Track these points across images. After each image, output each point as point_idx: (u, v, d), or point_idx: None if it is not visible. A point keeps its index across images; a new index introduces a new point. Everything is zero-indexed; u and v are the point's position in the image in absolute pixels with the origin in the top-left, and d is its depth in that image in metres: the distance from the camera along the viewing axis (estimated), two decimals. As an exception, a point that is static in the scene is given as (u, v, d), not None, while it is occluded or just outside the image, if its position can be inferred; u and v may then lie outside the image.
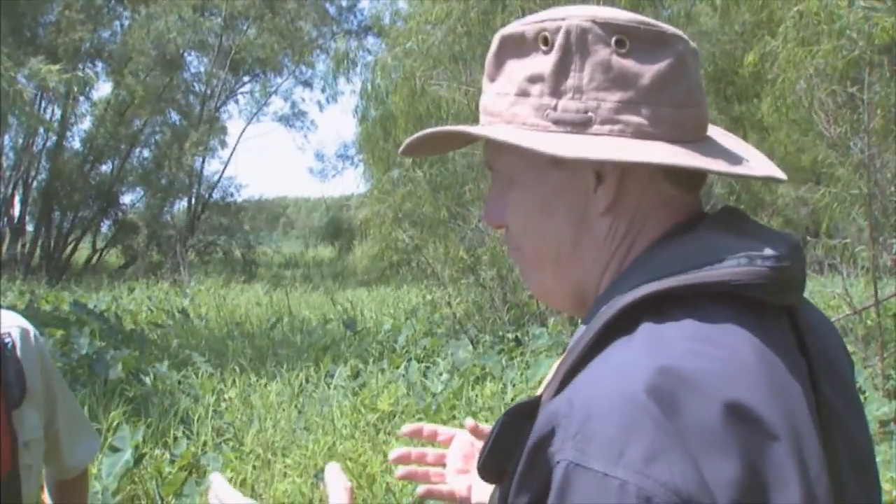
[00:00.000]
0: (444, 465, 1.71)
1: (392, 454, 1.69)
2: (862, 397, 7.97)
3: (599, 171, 1.18)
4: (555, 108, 1.18)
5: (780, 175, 1.24)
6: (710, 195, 11.34)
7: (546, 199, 1.23)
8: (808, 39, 8.58)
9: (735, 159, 1.22)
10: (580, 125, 1.17)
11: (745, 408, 0.98)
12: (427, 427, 1.74)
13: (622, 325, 1.07)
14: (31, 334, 2.25)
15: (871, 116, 8.42)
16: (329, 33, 35.83)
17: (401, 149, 1.36)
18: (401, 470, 1.71)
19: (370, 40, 32.04)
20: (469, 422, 1.68)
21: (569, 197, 1.22)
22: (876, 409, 7.52)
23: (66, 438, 2.40)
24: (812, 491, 0.99)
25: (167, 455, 7.11)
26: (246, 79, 37.05)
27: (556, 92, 1.18)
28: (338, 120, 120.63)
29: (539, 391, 1.15)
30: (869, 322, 9.46)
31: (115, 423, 7.51)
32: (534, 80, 1.20)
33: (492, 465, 1.10)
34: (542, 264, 1.28)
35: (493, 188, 1.33)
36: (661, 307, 1.07)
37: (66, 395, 2.41)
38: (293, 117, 40.04)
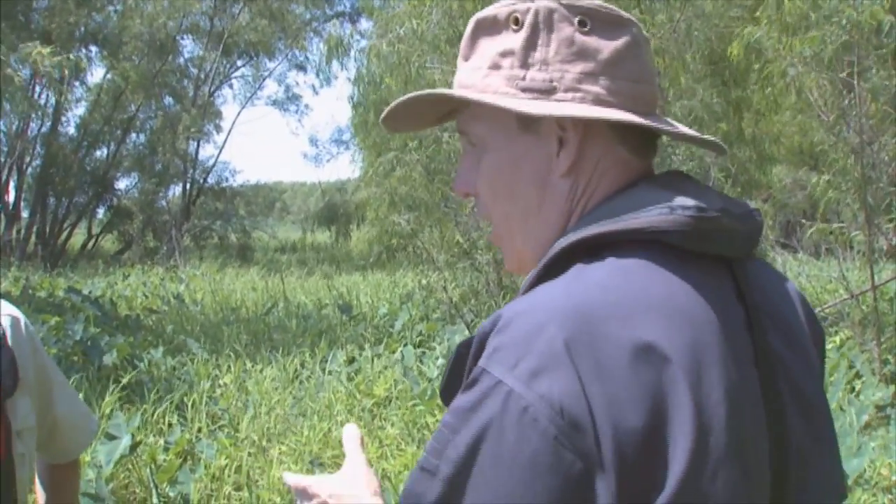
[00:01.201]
0: None
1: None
2: (859, 382, 7.97)
3: (561, 136, 1.31)
4: (523, 79, 1.32)
5: (722, 145, 1.42)
6: (707, 177, 11.31)
7: (514, 160, 1.35)
8: (794, 26, 8.56)
9: (680, 126, 1.36)
10: (546, 92, 1.30)
11: (641, 337, 1.08)
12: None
13: (559, 267, 1.21)
14: (22, 322, 2.25)
15: (864, 102, 8.40)
16: (322, 16, 35.83)
17: (381, 119, 1.48)
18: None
19: (363, 23, 31.99)
20: None
21: (534, 160, 1.34)
22: (872, 393, 7.51)
23: (65, 423, 2.42)
24: (706, 415, 1.08)
25: (162, 442, 7.09)
26: (239, 63, 37.08)
27: (525, 64, 1.32)
28: (332, 104, 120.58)
29: None
30: (865, 307, 9.46)
31: (109, 410, 7.50)
32: (505, 54, 1.34)
33: (450, 390, 1.22)
34: (511, 226, 1.40)
35: (463, 159, 1.44)
36: (596, 252, 1.20)
37: (61, 381, 2.43)
38: (287, 101, 40.16)
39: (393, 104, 1.43)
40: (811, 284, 12.50)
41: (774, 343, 1.25)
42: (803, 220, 11.64)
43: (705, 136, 1.38)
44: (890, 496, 5.96)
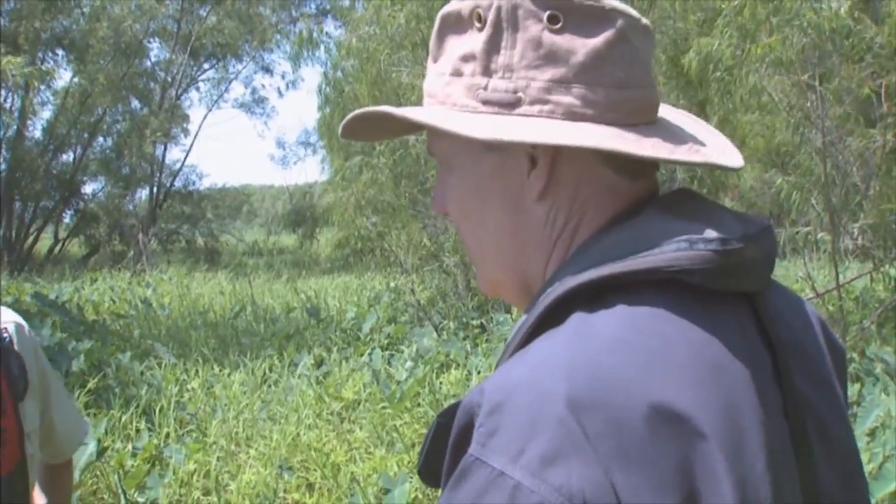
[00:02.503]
0: None
1: None
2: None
3: (532, 154, 1.13)
4: (485, 88, 1.14)
5: (733, 164, 1.17)
6: (672, 179, 11.36)
7: (481, 183, 1.19)
8: (753, 32, 8.59)
9: (680, 144, 1.14)
10: (508, 105, 1.13)
11: (667, 406, 0.92)
12: None
13: (557, 315, 1.03)
14: (26, 329, 2.33)
15: (826, 104, 8.46)
16: (288, 17, 35.77)
17: (340, 131, 1.29)
18: None
19: (330, 23, 31.93)
20: None
21: (503, 182, 1.17)
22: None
23: (61, 424, 2.49)
24: (750, 489, 0.93)
25: (129, 447, 7.07)
26: (206, 65, 36.88)
27: (487, 71, 1.14)
28: (298, 106, 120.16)
29: None
30: (831, 306, 9.52)
31: (76, 416, 7.46)
32: (466, 58, 1.17)
33: (430, 467, 1.06)
34: (484, 253, 1.24)
35: (438, 175, 1.29)
36: (599, 296, 1.02)
37: (57, 383, 2.50)
38: (254, 104, 39.94)
39: (347, 118, 1.25)
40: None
41: (801, 385, 1.09)
42: (770, 223, 11.73)
43: (701, 161, 1.15)
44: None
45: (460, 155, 1.20)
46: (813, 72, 8.27)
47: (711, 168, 1.23)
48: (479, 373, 8.94)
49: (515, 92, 1.12)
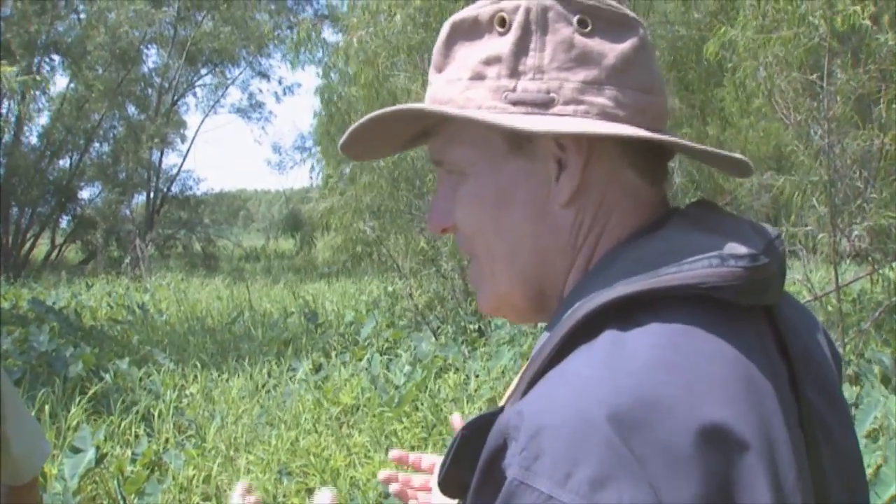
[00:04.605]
0: (429, 490, 1.64)
1: (381, 475, 1.65)
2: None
3: (560, 157, 1.12)
4: (514, 90, 1.11)
5: (748, 164, 1.16)
6: (670, 183, 11.36)
7: (502, 189, 1.15)
8: (768, 27, 8.59)
9: (698, 144, 1.14)
10: (542, 105, 1.10)
11: (711, 423, 0.90)
12: (412, 455, 1.67)
13: (586, 331, 0.99)
14: None
15: (832, 104, 8.45)
16: (285, 23, 35.82)
17: (341, 145, 1.26)
18: (393, 486, 1.65)
19: (326, 30, 31.98)
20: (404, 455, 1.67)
21: (527, 187, 1.14)
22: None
23: (17, 445, 2.34)
24: (786, 500, 0.92)
25: (129, 453, 7.06)
26: (203, 71, 36.92)
27: (515, 73, 1.12)
28: (294, 112, 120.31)
29: (501, 402, 1.10)
30: (829, 308, 9.52)
31: (75, 422, 7.46)
32: (490, 61, 1.13)
33: (452, 480, 1.03)
34: (495, 265, 1.20)
35: (439, 187, 1.25)
36: (628, 311, 0.99)
37: (14, 398, 2.35)
38: (250, 109, 40.02)
39: (355, 124, 1.20)
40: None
41: (812, 397, 1.09)
42: (772, 218, 11.73)
43: (728, 154, 1.14)
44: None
45: (480, 161, 1.17)
46: (822, 72, 8.27)
47: (733, 166, 1.18)
48: (476, 376, 8.94)
49: (548, 92, 1.11)
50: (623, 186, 1.14)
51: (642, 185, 1.15)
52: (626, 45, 1.12)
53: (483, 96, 1.13)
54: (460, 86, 1.16)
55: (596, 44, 1.11)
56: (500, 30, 1.14)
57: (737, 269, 0.99)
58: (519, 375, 1.07)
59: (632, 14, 1.15)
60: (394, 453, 1.66)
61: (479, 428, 0.99)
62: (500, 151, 1.14)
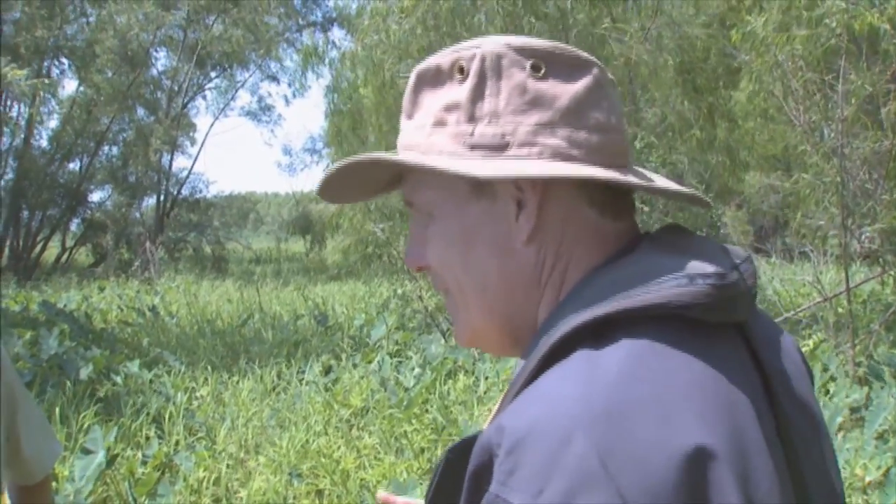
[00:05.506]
0: None
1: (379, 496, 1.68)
2: (833, 384, 8.02)
3: (519, 198, 1.16)
4: (472, 134, 1.16)
5: (705, 199, 1.24)
6: (680, 184, 11.35)
7: (466, 230, 1.20)
8: (787, 24, 8.60)
9: (655, 181, 1.21)
10: (497, 148, 1.15)
11: (679, 437, 0.92)
12: (400, 500, 1.68)
13: (561, 353, 1.03)
14: None
15: (845, 104, 8.45)
16: (294, 26, 35.86)
17: (317, 190, 1.31)
18: None
19: (336, 32, 32.03)
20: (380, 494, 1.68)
21: (490, 228, 1.18)
22: (846, 395, 7.55)
23: (28, 443, 2.35)
24: None
25: (139, 455, 7.07)
26: (213, 74, 36.96)
27: (473, 118, 1.16)
28: (304, 114, 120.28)
29: (484, 426, 1.11)
30: (840, 309, 9.51)
31: (86, 424, 7.48)
32: (450, 108, 1.18)
33: (440, 500, 1.10)
34: (468, 300, 1.23)
35: (411, 229, 1.29)
36: (600, 332, 1.03)
37: (26, 399, 2.36)
38: (260, 112, 40.14)
39: (327, 173, 1.27)
40: (785, 288, 12.58)
41: (789, 409, 1.12)
42: (777, 226, 11.75)
43: (685, 190, 1.22)
44: (865, 496, 6.00)
45: (445, 203, 1.21)
46: (836, 73, 8.28)
47: (687, 201, 1.26)
48: (486, 378, 8.94)
49: (503, 136, 1.15)
50: (582, 223, 1.18)
51: (602, 221, 1.18)
52: (579, 86, 1.16)
53: (444, 142, 1.18)
54: (424, 132, 1.21)
55: (549, 87, 1.16)
56: (460, 77, 1.19)
57: (705, 288, 1.03)
58: (500, 400, 1.12)
59: (585, 55, 1.20)
60: (380, 495, 1.68)
61: (462, 451, 1.05)
62: (464, 194, 1.19)
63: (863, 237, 9.16)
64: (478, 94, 1.16)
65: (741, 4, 11.10)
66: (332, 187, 1.30)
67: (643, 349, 1.00)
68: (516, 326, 1.22)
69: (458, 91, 1.18)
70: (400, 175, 1.29)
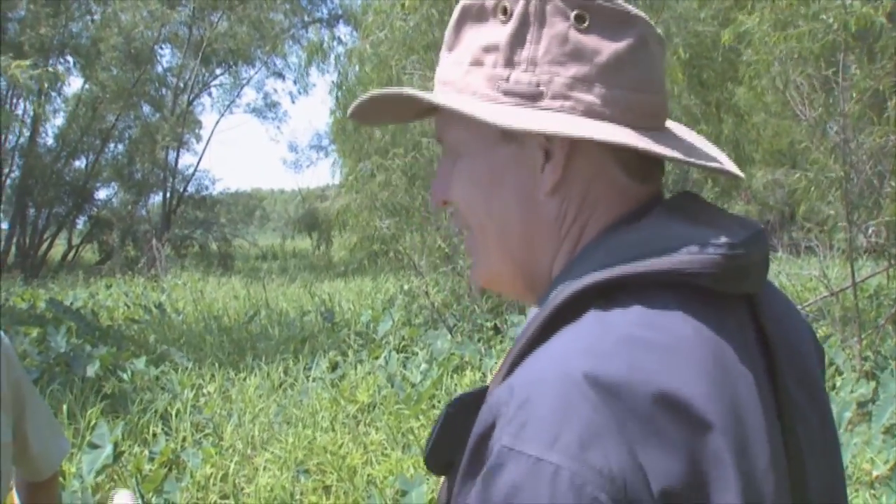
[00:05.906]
0: None
1: None
2: (839, 378, 8.01)
3: (548, 148, 1.14)
4: (507, 80, 1.15)
5: (738, 171, 1.23)
6: (686, 179, 11.33)
7: (493, 172, 1.19)
8: (783, 22, 8.58)
9: (691, 151, 1.19)
10: (530, 98, 1.13)
11: (679, 398, 0.94)
12: None
13: (570, 312, 1.04)
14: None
15: (847, 99, 8.43)
16: (300, 22, 35.82)
17: (349, 113, 1.29)
18: None
19: (342, 28, 32.04)
20: None
21: (516, 173, 1.18)
22: (852, 389, 7.55)
23: (36, 440, 2.36)
24: (756, 486, 0.96)
25: (146, 452, 7.08)
26: (218, 71, 36.91)
27: (510, 62, 1.15)
28: (310, 110, 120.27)
29: (489, 381, 1.12)
30: (846, 304, 9.50)
31: (93, 421, 7.49)
32: (489, 49, 1.17)
33: (438, 456, 1.10)
34: (488, 242, 1.23)
35: (439, 164, 1.29)
36: (610, 294, 1.03)
37: (34, 396, 2.37)
38: (266, 108, 40.03)
39: (359, 100, 1.25)
40: (791, 283, 12.56)
41: (792, 388, 1.11)
42: (783, 220, 11.75)
43: (715, 166, 1.20)
44: (872, 491, 6.00)
45: (474, 142, 1.20)
46: (837, 68, 8.26)
47: (720, 173, 1.24)
48: (493, 373, 8.93)
49: (538, 85, 1.13)
50: (609, 182, 1.17)
51: (629, 182, 1.17)
52: (622, 44, 1.14)
53: (479, 83, 1.17)
54: (462, 69, 1.20)
55: (591, 40, 1.13)
56: (503, 18, 1.17)
57: (714, 257, 1.02)
58: (507, 353, 1.10)
59: (634, 12, 1.16)
60: None
61: (463, 404, 1.08)
62: (493, 136, 1.18)
63: (869, 231, 9.15)
64: (518, 39, 1.15)
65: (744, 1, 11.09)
66: (363, 111, 1.29)
67: (653, 314, 1.01)
68: (531, 273, 1.23)
69: (499, 32, 1.17)
70: (434, 107, 1.25)
